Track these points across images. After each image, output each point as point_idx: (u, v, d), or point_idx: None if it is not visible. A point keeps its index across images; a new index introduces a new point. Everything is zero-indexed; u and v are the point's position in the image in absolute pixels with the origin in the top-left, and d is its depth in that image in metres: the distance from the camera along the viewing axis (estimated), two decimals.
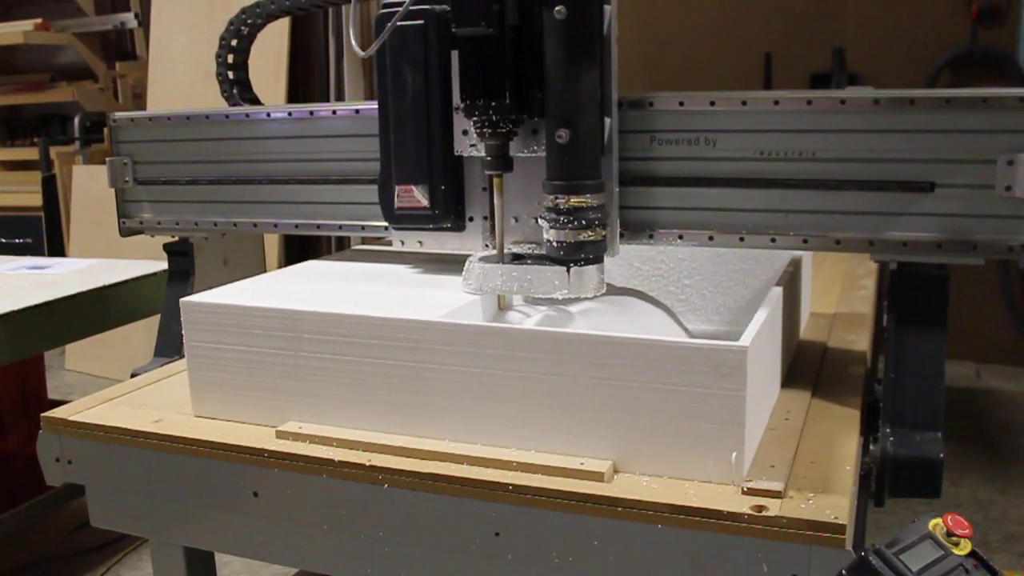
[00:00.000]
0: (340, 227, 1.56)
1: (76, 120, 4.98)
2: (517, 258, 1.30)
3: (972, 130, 1.14)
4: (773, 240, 1.26)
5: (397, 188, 1.36)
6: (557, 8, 1.13)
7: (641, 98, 1.28)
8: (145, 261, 2.54)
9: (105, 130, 4.69)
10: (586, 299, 1.37)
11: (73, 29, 5.19)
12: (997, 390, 3.88)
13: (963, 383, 3.94)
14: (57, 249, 4.77)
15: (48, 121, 5.63)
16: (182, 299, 1.29)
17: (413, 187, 1.35)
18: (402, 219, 1.38)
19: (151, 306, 2.43)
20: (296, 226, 1.59)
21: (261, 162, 1.58)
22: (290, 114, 1.54)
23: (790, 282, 1.36)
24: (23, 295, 2.14)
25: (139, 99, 4.56)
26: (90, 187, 4.41)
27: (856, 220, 1.21)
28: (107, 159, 1.69)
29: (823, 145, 1.21)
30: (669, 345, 1.03)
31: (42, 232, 4.84)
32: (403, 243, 1.45)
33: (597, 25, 1.17)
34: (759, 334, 1.07)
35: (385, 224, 1.44)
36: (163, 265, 2.45)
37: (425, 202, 1.35)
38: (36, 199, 4.84)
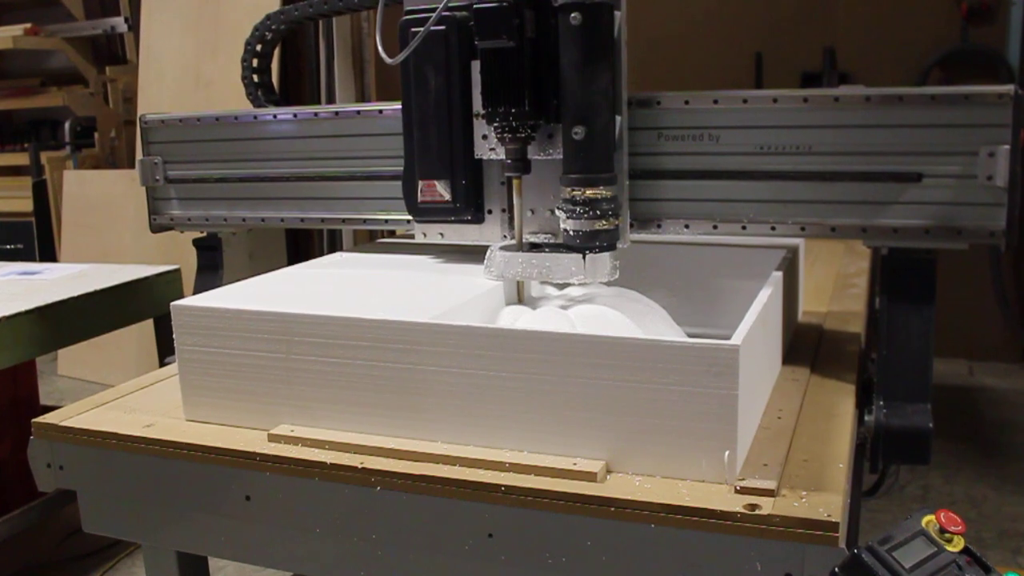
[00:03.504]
0: (364, 221, 1.64)
1: (66, 125, 4.97)
2: (535, 247, 1.37)
3: (956, 125, 1.23)
4: (773, 228, 1.34)
5: (420, 183, 1.44)
6: (573, 15, 1.21)
7: (649, 97, 1.37)
8: (136, 266, 2.54)
9: (95, 134, 4.69)
10: (580, 299, 1.39)
11: (63, 34, 5.17)
12: (989, 387, 3.90)
13: (956, 381, 3.95)
14: (48, 254, 4.76)
15: (38, 126, 5.62)
16: (172, 303, 1.29)
17: (436, 182, 1.43)
18: (425, 212, 1.46)
19: (143, 311, 2.43)
20: (322, 220, 1.67)
21: (288, 160, 1.67)
22: (316, 114, 1.63)
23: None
24: (14, 301, 2.13)
25: (129, 103, 4.54)
26: (81, 192, 4.40)
27: (850, 209, 1.30)
28: (138, 159, 1.78)
29: (819, 140, 1.30)
30: (661, 345, 1.03)
31: (33, 237, 4.83)
32: (425, 235, 1.52)
33: (609, 30, 1.26)
34: (751, 332, 1.08)
35: (408, 218, 1.52)
36: (155, 269, 2.47)
37: (447, 196, 1.43)
38: (27, 204, 4.83)
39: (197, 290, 1.76)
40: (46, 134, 5.52)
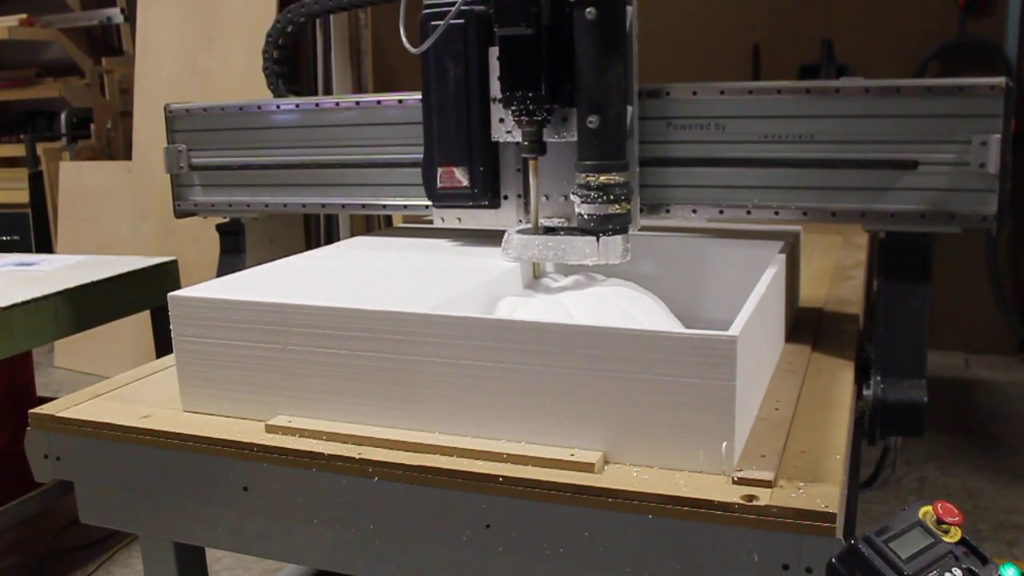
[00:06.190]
0: (384, 207, 1.70)
1: (62, 116, 4.95)
2: (549, 230, 1.43)
3: (951, 115, 1.29)
4: (776, 213, 1.41)
5: (439, 170, 1.52)
6: (588, 9, 1.27)
7: (658, 88, 1.43)
8: (133, 257, 2.53)
9: (92, 126, 4.67)
10: (578, 289, 1.39)
11: (58, 24, 5.15)
12: (986, 380, 3.90)
13: (952, 373, 3.96)
14: (44, 246, 4.74)
15: (34, 117, 5.59)
16: (170, 294, 1.29)
17: (454, 168, 1.49)
18: (444, 197, 1.53)
19: (140, 302, 2.42)
20: (343, 206, 1.74)
21: (308, 147, 1.72)
22: (337, 104, 1.69)
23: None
24: (11, 292, 2.13)
25: (126, 95, 4.52)
26: (77, 183, 4.39)
27: (849, 195, 1.36)
28: (164, 147, 1.84)
29: (820, 129, 1.36)
30: (659, 336, 1.03)
31: (29, 229, 4.82)
32: (443, 220, 1.58)
33: (622, 23, 1.31)
34: (750, 322, 1.08)
35: (426, 203, 1.59)
36: (152, 261, 2.46)
37: (465, 182, 1.50)
38: (23, 196, 4.81)
39: (220, 274, 1.82)
40: (42, 125, 5.49)
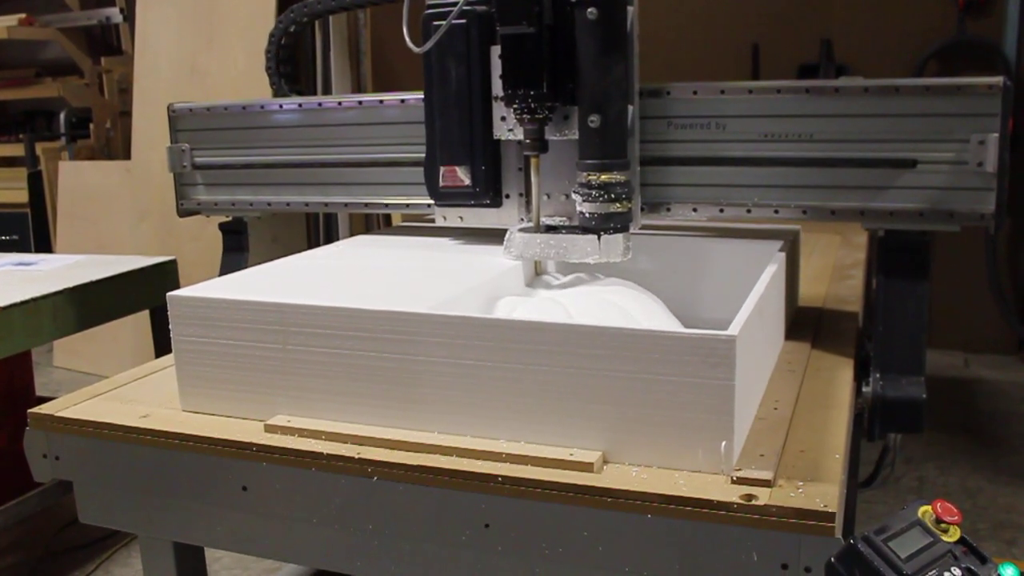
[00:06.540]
0: (386, 205, 1.71)
1: (61, 116, 4.95)
2: (551, 229, 1.44)
3: (949, 114, 1.30)
4: (776, 211, 1.42)
5: (442, 169, 1.53)
6: (589, 10, 1.29)
7: (659, 88, 1.44)
8: (133, 257, 2.53)
9: (91, 125, 4.66)
10: (577, 288, 1.40)
11: (58, 24, 5.14)
12: (985, 379, 3.90)
13: (952, 372, 3.96)
14: (44, 246, 4.74)
15: (33, 117, 5.59)
16: (169, 293, 1.29)
17: (456, 168, 1.50)
18: (446, 196, 1.55)
19: (139, 302, 2.42)
20: (345, 205, 1.75)
21: (311, 147, 1.73)
22: (340, 103, 1.69)
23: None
24: (9, 291, 2.13)
25: (125, 94, 4.52)
26: (76, 183, 4.39)
27: (849, 193, 1.37)
28: (167, 146, 1.84)
29: (820, 128, 1.37)
30: (658, 335, 1.03)
31: (28, 229, 4.82)
32: (445, 218, 1.59)
33: (623, 24, 1.33)
34: (748, 321, 1.08)
35: (428, 202, 1.60)
36: (151, 260, 2.46)
37: (467, 181, 1.51)
38: (22, 196, 4.81)
39: (223, 272, 1.84)
40: (41, 125, 5.49)
